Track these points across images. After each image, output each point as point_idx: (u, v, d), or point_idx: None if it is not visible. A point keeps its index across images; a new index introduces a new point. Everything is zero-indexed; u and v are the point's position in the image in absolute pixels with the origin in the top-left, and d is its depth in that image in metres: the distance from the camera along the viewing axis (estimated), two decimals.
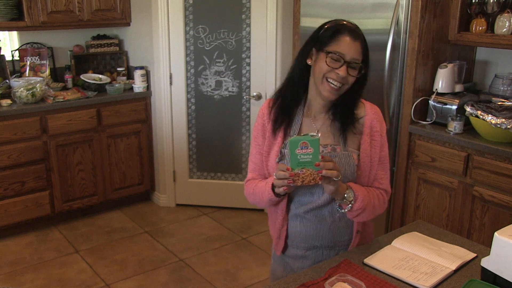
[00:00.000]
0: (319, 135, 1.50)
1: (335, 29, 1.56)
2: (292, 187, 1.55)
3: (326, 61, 1.54)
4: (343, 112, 1.64)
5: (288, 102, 1.67)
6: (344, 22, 1.59)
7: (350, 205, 1.59)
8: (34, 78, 3.85)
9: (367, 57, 1.60)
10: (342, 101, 1.63)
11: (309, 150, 1.46)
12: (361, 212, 1.61)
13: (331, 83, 1.56)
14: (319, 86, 1.59)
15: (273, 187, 1.60)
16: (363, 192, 1.61)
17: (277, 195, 1.62)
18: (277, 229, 1.77)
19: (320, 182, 1.48)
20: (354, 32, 1.56)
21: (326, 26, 1.59)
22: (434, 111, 3.03)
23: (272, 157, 1.68)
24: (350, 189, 1.59)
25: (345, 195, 1.58)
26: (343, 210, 1.62)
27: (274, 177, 1.53)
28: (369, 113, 1.67)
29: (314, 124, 1.67)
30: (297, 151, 1.46)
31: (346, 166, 1.61)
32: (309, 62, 1.61)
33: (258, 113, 1.74)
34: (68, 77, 4.05)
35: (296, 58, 1.66)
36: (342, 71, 1.54)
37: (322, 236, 1.72)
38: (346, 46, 1.53)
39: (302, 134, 1.51)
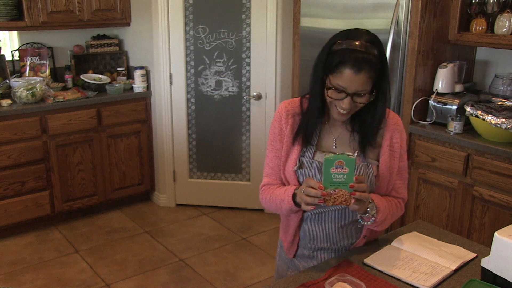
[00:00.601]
0: (356, 155, 1.45)
1: (339, 59, 1.45)
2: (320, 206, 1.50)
3: (328, 93, 1.50)
4: (362, 125, 1.60)
5: (308, 120, 1.61)
6: (353, 46, 1.45)
7: (372, 218, 1.56)
8: (34, 78, 3.85)
9: (381, 76, 1.49)
10: (360, 112, 1.58)
11: (344, 170, 1.41)
12: (380, 223, 1.60)
13: (339, 109, 1.52)
14: (330, 110, 1.56)
15: (293, 197, 1.57)
16: (384, 204, 1.59)
17: (297, 205, 1.57)
18: (290, 233, 1.74)
19: (350, 206, 1.44)
20: (359, 62, 1.43)
21: (334, 48, 1.48)
22: (434, 111, 3.03)
23: (289, 163, 1.63)
24: (372, 202, 1.55)
25: (368, 209, 1.54)
26: (365, 223, 1.59)
27: (302, 192, 1.48)
28: (389, 124, 1.63)
29: (332, 132, 1.64)
30: (332, 170, 1.41)
31: (365, 177, 1.56)
32: (324, 78, 1.54)
33: (275, 116, 1.69)
34: (68, 77, 4.05)
35: (312, 73, 1.57)
36: (345, 104, 1.48)
37: (330, 239, 1.70)
38: (348, 80, 1.45)
39: (338, 153, 1.45)
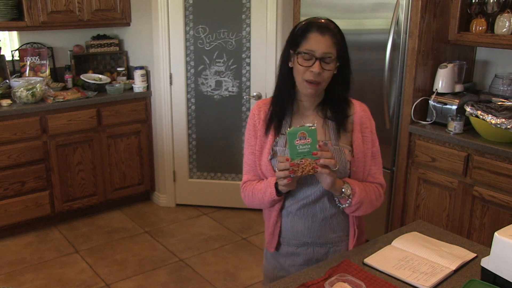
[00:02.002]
0: (316, 124, 1.52)
1: (304, 27, 1.59)
2: (294, 181, 1.57)
3: (298, 61, 1.58)
4: (332, 110, 1.68)
5: (278, 109, 1.70)
6: (315, 19, 1.60)
7: (349, 200, 1.62)
8: (34, 78, 3.85)
9: (343, 49, 1.61)
10: (329, 98, 1.67)
11: (307, 141, 1.49)
12: (359, 206, 1.65)
13: (310, 82, 1.59)
14: (300, 87, 1.63)
15: (276, 186, 1.62)
16: (359, 186, 1.65)
17: (279, 193, 1.64)
18: (271, 225, 1.78)
19: (318, 170, 1.50)
20: (323, 27, 1.57)
21: (298, 27, 1.62)
22: (434, 111, 3.03)
23: (264, 155, 1.70)
24: (347, 183, 1.63)
25: (343, 190, 1.61)
26: (342, 206, 1.66)
27: (276, 171, 1.55)
28: (358, 111, 1.71)
29: (304, 120, 1.69)
30: (296, 142, 1.49)
31: (338, 161, 1.61)
32: (290, 65, 1.64)
33: (249, 115, 1.77)
34: (68, 77, 4.05)
35: (279, 64, 1.69)
36: (315, 67, 1.56)
37: (313, 233, 1.74)
38: (314, 42, 1.56)
39: (299, 126, 1.52)
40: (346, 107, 1.70)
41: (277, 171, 1.55)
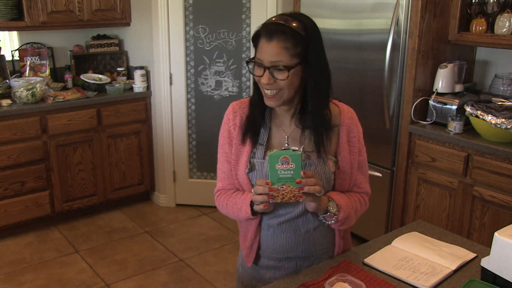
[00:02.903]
0: (302, 150, 1.41)
1: (254, 35, 1.44)
2: (271, 205, 1.46)
3: (251, 71, 1.46)
4: (312, 119, 1.49)
5: (253, 113, 1.56)
6: (268, 21, 1.44)
7: (335, 216, 1.51)
8: (34, 78, 3.85)
9: (302, 53, 1.40)
10: (304, 106, 1.50)
11: (290, 166, 1.36)
12: (345, 221, 1.54)
13: (267, 91, 1.45)
14: (264, 98, 1.48)
15: (251, 204, 1.51)
16: (345, 200, 1.54)
17: (254, 213, 1.52)
18: (249, 240, 1.65)
19: (301, 200, 1.39)
20: (270, 31, 1.39)
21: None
22: (434, 111, 3.03)
23: (241, 166, 1.56)
24: (332, 200, 1.51)
25: (328, 208, 1.50)
26: (328, 222, 1.54)
27: (252, 193, 1.44)
28: (344, 119, 1.55)
29: (284, 131, 1.55)
30: (277, 166, 1.36)
31: (322, 175, 1.52)
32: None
33: (224, 119, 1.62)
34: (68, 77, 4.05)
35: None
36: (263, 79, 1.41)
37: (296, 248, 1.62)
38: (262, 51, 1.41)
39: (283, 148, 1.41)
40: (327, 115, 1.51)
41: (254, 193, 1.43)
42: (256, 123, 1.55)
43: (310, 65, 1.42)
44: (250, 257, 1.67)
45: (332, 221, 1.52)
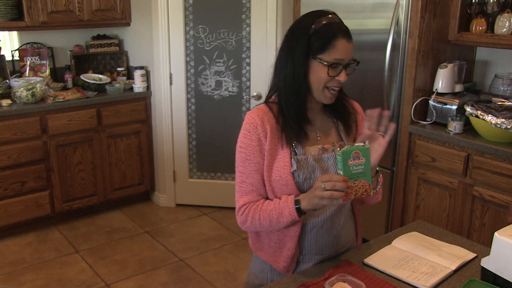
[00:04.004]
0: (368, 143, 1.43)
1: (330, 34, 1.45)
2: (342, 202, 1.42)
3: (328, 73, 1.46)
4: (340, 110, 1.63)
5: (297, 118, 1.54)
6: (333, 20, 1.48)
7: (378, 186, 1.57)
8: (34, 78, 3.85)
9: None
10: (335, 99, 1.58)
11: (361, 161, 1.39)
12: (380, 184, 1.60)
13: (332, 90, 1.50)
14: (318, 95, 1.51)
15: (296, 204, 1.47)
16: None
17: (300, 214, 1.48)
18: (288, 249, 1.60)
19: (371, 194, 1.43)
20: (347, 32, 1.48)
21: (315, 28, 1.46)
22: (434, 111, 3.03)
23: (279, 169, 1.53)
24: (377, 169, 1.55)
25: (376, 169, 1.55)
26: (375, 190, 1.55)
27: (322, 187, 1.37)
28: (357, 108, 1.70)
29: (314, 123, 1.59)
30: (350, 162, 1.38)
31: None
32: (309, 63, 1.49)
33: (247, 129, 1.56)
34: (68, 77, 4.05)
35: (289, 68, 1.50)
36: (342, 77, 1.49)
37: (337, 243, 1.67)
38: (344, 50, 1.46)
39: (350, 145, 1.41)
40: (348, 104, 1.66)
41: (323, 191, 1.37)
42: (298, 125, 1.55)
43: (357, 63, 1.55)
44: (292, 266, 1.64)
45: (378, 187, 1.57)
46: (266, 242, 1.66)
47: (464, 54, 3.22)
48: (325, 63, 1.46)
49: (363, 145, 1.40)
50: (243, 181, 1.57)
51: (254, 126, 1.55)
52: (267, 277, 1.69)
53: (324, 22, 1.47)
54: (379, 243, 1.75)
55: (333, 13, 1.52)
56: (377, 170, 1.55)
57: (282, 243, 1.61)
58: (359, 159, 1.39)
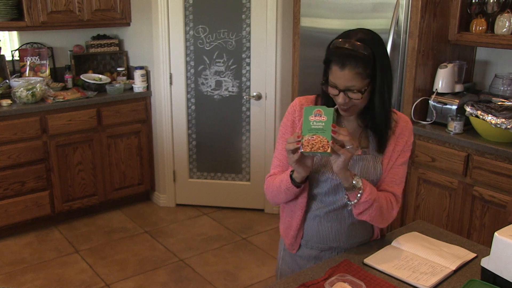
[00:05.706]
0: (336, 107, 1.49)
1: (327, 57, 1.52)
2: (306, 163, 1.51)
3: (328, 89, 1.54)
4: (374, 119, 1.60)
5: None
6: (339, 44, 1.50)
7: (359, 194, 1.53)
8: (34, 78, 3.85)
9: (373, 71, 1.49)
10: (368, 106, 1.58)
11: (322, 118, 1.44)
12: (368, 207, 1.55)
13: (341, 106, 1.55)
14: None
15: (291, 174, 1.58)
16: (371, 187, 1.57)
17: (294, 183, 1.58)
18: (294, 229, 1.73)
19: (329, 150, 1.42)
20: (342, 60, 1.46)
21: (329, 45, 1.54)
22: (434, 111, 3.03)
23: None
24: (358, 178, 1.54)
25: (353, 182, 1.52)
26: (351, 203, 1.56)
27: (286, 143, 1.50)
28: (401, 121, 1.66)
29: (346, 127, 1.61)
30: (310, 118, 1.45)
31: (373, 170, 1.62)
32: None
33: (288, 110, 1.71)
34: (68, 77, 4.05)
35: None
36: (339, 99, 1.52)
37: (340, 237, 1.71)
38: (335, 76, 1.49)
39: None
40: (388, 116, 1.60)
41: (287, 142, 1.49)
42: None
43: (379, 77, 1.51)
44: (295, 245, 1.77)
45: (355, 200, 1.54)
46: (282, 218, 1.81)
47: (464, 54, 3.22)
48: (325, 80, 1.54)
49: (328, 107, 1.47)
50: (275, 156, 1.74)
51: (293, 110, 1.70)
52: (282, 255, 1.86)
53: (334, 43, 1.52)
54: (379, 243, 1.75)
55: (358, 39, 1.48)
56: (353, 183, 1.52)
57: (290, 221, 1.76)
58: (320, 116, 1.45)
